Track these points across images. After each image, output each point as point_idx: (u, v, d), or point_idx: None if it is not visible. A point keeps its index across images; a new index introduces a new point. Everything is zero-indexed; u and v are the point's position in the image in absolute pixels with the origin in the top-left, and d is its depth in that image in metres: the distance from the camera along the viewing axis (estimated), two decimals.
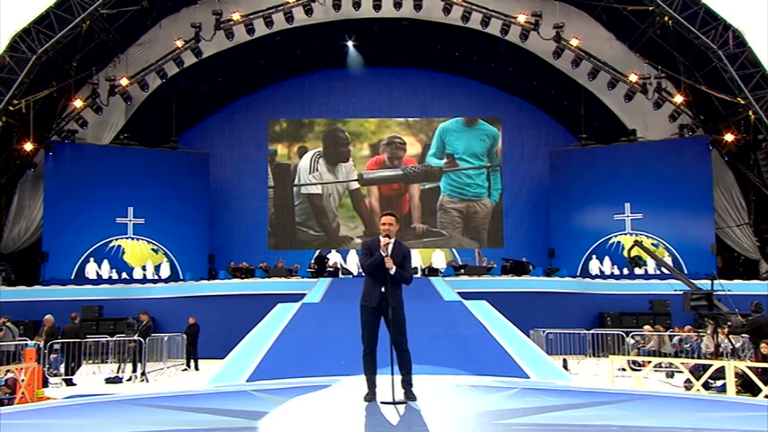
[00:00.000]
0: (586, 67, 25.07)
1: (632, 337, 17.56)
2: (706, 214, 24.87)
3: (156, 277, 24.86)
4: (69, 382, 14.46)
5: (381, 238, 6.37)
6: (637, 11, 23.24)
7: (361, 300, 6.38)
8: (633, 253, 18.77)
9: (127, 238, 25.09)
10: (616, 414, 5.82)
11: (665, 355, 16.29)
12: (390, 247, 6.34)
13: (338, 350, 9.82)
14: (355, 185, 28.56)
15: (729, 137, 23.92)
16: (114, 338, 17.38)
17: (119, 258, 24.90)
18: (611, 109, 26.74)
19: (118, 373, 15.41)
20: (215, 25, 24.15)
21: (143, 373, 15.23)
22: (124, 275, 24.62)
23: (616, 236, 25.65)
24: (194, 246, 26.09)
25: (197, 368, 17.68)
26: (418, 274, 22.00)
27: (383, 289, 6.24)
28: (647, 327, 18.62)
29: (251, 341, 11.14)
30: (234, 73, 27.39)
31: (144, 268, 25.10)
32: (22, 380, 11.21)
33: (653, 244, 23.88)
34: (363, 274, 6.52)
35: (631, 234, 24.90)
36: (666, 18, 22.46)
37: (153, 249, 25.43)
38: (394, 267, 6.23)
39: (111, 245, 24.85)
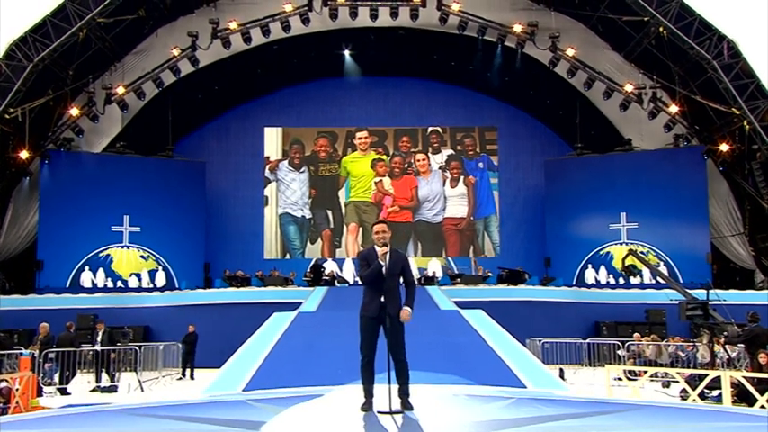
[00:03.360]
0: (582, 76, 25.20)
1: (627, 348, 17.53)
2: (701, 224, 24.93)
3: (151, 286, 24.80)
4: (64, 392, 14.39)
5: (378, 248, 6.35)
6: (632, 21, 23.38)
7: (361, 309, 6.37)
8: (628, 261, 18.79)
9: (116, 246, 25.01)
10: (613, 424, 5.82)
11: (662, 365, 16.29)
12: (388, 256, 6.34)
13: (335, 359, 9.80)
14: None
15: (724, 147, 24.04)
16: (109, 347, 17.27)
17: (109, 267, 24.85)
18: (607, 118, 26.84)
19: (113, 381, 15.37)
20: (212, 34, 24.22)
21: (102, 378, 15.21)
22: (119, 284, 24.55)
23: (611, 245, 25.71)
24: (190, 254, 26.02)
25: (192, 377, 17.62)
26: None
27: (382, 299, 6.24)
28: (636, 335, 18.63)
29: (247, 350, 11.10)
30: (230, 81, 27.42)
31: (139, 277, 25.03)
32: (17, 389, 11.14)
33: (642, 252, 23.89)
34: (360, 284, 6.52)
35: (626, 243, 24.95)
36: (661, 29, 22.60)
37: (142, 257, 25.34)
38: (408, 317, 6.24)
39: (101, 254, 24.78)
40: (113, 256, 25.01)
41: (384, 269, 6.27)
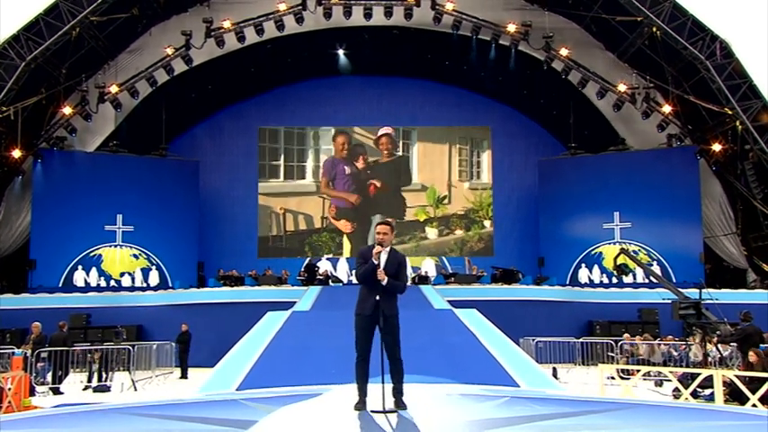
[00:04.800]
0: (575, 76, 25.24)
1: (620, 347, 17.57)
2: (694, 223, 25.03)
3: (144, 285, 24.72)
4: (56, 391, 14.34)
5: (375, 247, 6.37)
6: (625, 21, 23.43)
7: (356, 308, 6.37)
8: (619, 261, 18.82)
9: (107, 246, 24.91)
10: (606, 423, 5.84)
11: (654, 364, 16.34)
12: (384, 256, 6.35)
13: (328, 358, 9.79)
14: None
15: (717, 147, 24.13)
16: (103, 346, 17.22)
17: (100, 267, 24.78)
18: (601, 118, 26.90)
19: (105, 381, 15.33)
20: (205, 33, 24.15)
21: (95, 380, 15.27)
22: (113, 284, 24.45)
23: (603, 245, 25.78)
24: (184, 253, 25.97)
25: (185, 376, 17.58)
26: (408, 282, 21.92)
27: (377, 297, 6.24)
28: (627, 335, 18.66)
29: (241, 349, 11.09)
30: (224, 80, 27.35)
31: (132, 276, 24.96)
32: (9, 388, 11.09)
33: (634, 251, 23.96)
34: (354, 283, 6.52)
35: (619, 243, 25.02)
36: (654, 29, 22.66)
37: (133, 255, 25.25)
38: (386, 279, 6.23)
39: (93, 253, 24.68)
40: (104, 255, 24.91)
41: (378, 268, 6.28)
